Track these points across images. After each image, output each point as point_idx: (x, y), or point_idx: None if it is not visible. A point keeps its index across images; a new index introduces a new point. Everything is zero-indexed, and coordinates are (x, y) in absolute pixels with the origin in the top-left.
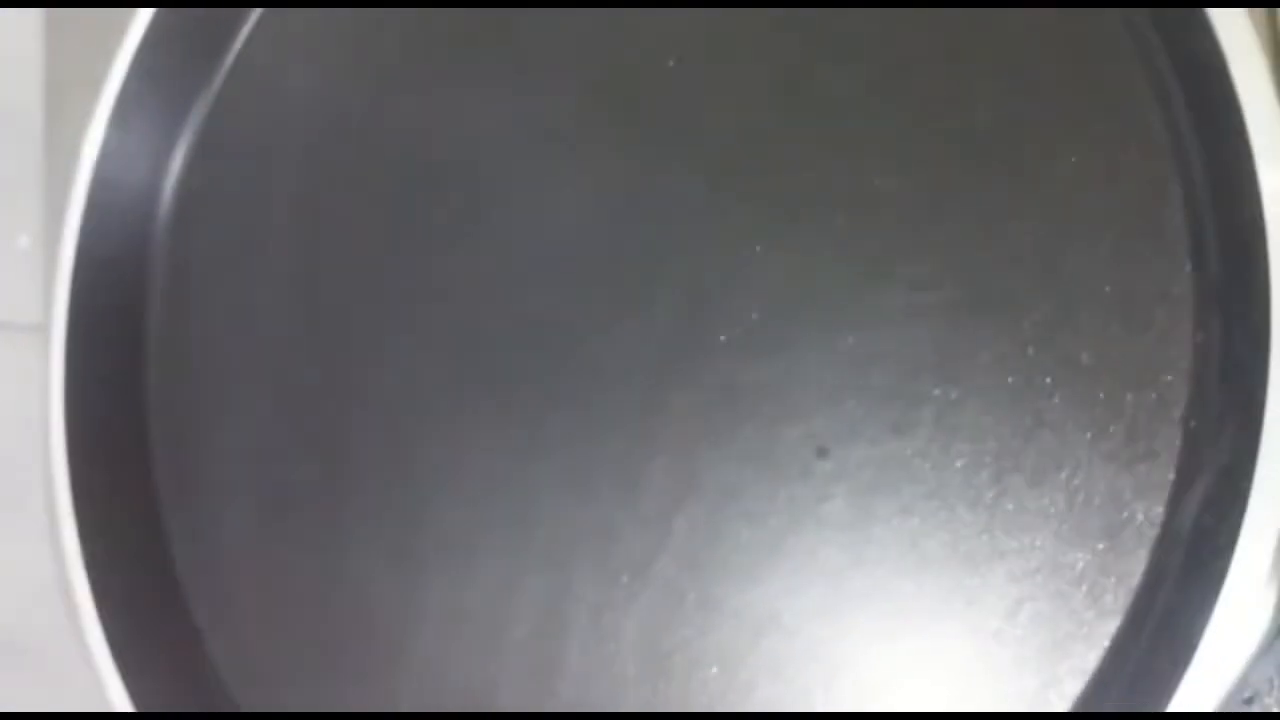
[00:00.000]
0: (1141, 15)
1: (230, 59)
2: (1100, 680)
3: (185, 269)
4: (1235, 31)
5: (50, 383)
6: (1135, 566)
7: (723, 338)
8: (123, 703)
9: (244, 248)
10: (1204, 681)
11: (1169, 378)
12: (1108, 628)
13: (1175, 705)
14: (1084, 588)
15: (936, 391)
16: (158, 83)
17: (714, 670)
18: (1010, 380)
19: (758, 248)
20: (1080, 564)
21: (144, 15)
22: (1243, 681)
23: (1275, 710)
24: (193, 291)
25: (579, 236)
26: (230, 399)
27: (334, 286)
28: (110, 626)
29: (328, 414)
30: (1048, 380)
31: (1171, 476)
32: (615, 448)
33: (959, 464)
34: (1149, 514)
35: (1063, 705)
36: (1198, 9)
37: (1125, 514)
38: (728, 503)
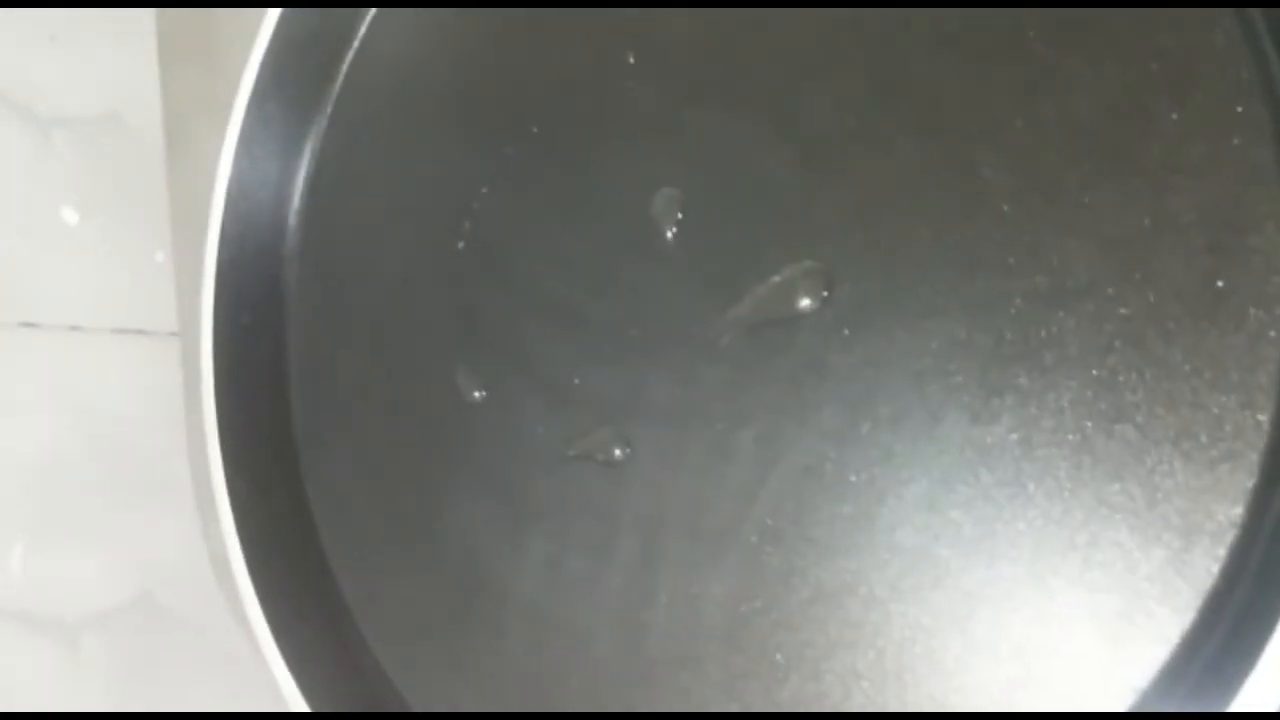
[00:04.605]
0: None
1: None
2: (1168, 675)
3: (316, 263)
4: None
5: (202, 380)
6: (1211, 566)
7: (812, 317)
8: (272, 654)
9: (367, 229)
10: (1271, 683)
11: (1259, 379)
12: (1178, 624)
13: (1238, 705)
14: (1157, 584)
15: (1020, 381)
16: (280, 92)
17: (792, 634)
18: (1095, 373)
19: (850, 230)
20: (1155, 560)
21: (261, 40)
22: None
23: None
24: (325, 283)
25: (683, 211)
26: (358, 379)
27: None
28: (263, 595)
29: (445, 405)
30: (1133, 375)
31: (1254, 479)
32: (707, 418)
33: (1038, 454)
34: (1228, 515)
35: (1128, 698)
36: None
37: (1204, 514)
38: (811, 477)
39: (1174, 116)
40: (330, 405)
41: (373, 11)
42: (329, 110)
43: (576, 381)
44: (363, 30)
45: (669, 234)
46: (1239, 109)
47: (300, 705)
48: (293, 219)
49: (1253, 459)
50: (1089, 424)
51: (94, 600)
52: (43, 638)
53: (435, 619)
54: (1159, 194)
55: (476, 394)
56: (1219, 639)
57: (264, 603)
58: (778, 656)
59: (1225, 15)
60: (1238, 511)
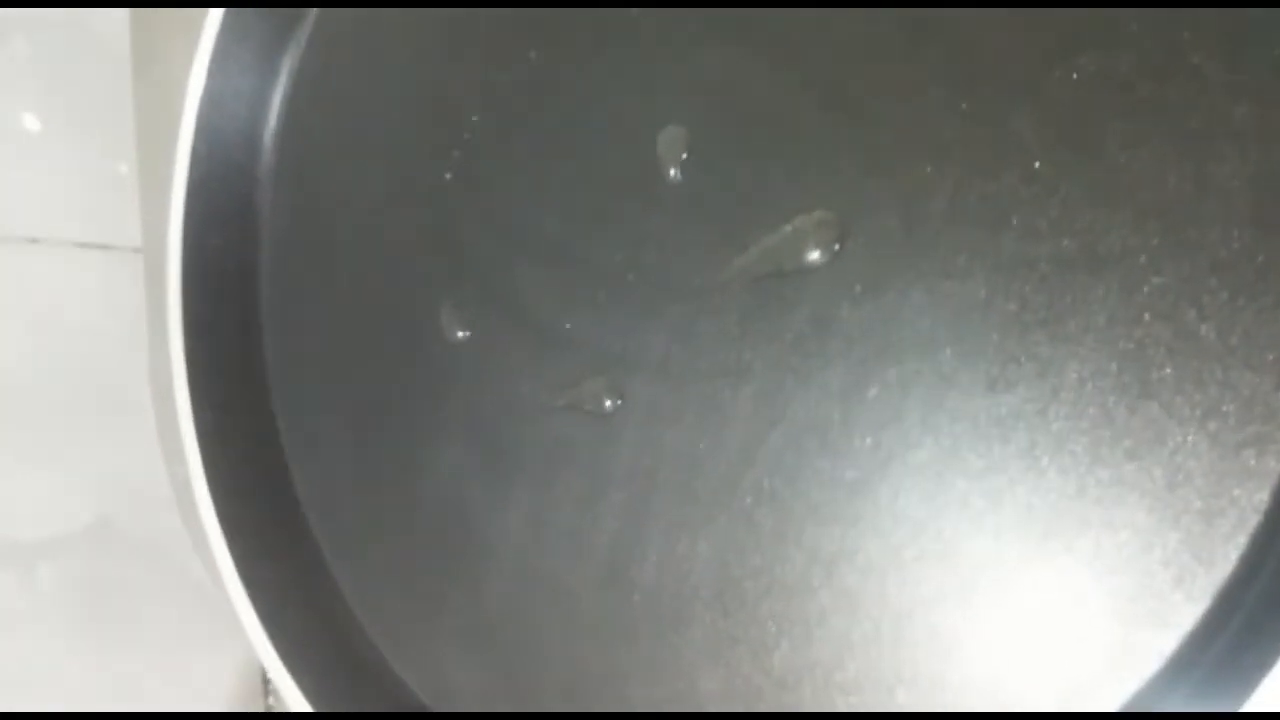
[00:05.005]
0: None
1: None
2: (1176, 665)
3: (292, 186)
4: None
5: (168, 306)
6: (1230, 553)
7: (823, 271)
8: (235, 586)
9: (347, 154)
10: None
11: None
12: (1191, 613)
13: (1252, 705)
14: (1172, 569)
15: (1041, 349)
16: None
17: (784, 601)
18: (1121, 346)
19: (868, 181)
20: (1171, 544)
21: None
22: None
23: None
24: (300, 208)
25: (688, 152)
26: (334, 310)
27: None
28: (228, 527)
29: (425, 343)
30: (1162, 350)
31: None
32: (705, 373)
33: (1054, 426)
34: (1252, 500)
35: (1133, 684)
36: None
37: (1226, 498)
38: (812, 439)
39: (1222, 77)
40: (302, 336)
41: None
42: (310, 25)
43: (567, 327)
44: None
45: (672, 175)
46: None
47: (269, 651)
48: (268, 139)
49: None
50: (1111, 399)
51: (50, 524)
52: None
53: (411, 566)
54: (1202, 159)
55: (460, 334)
56: (1235, 630)
57: (232, 546)
58: (769, 623)
59: None
60: (1263, 497)
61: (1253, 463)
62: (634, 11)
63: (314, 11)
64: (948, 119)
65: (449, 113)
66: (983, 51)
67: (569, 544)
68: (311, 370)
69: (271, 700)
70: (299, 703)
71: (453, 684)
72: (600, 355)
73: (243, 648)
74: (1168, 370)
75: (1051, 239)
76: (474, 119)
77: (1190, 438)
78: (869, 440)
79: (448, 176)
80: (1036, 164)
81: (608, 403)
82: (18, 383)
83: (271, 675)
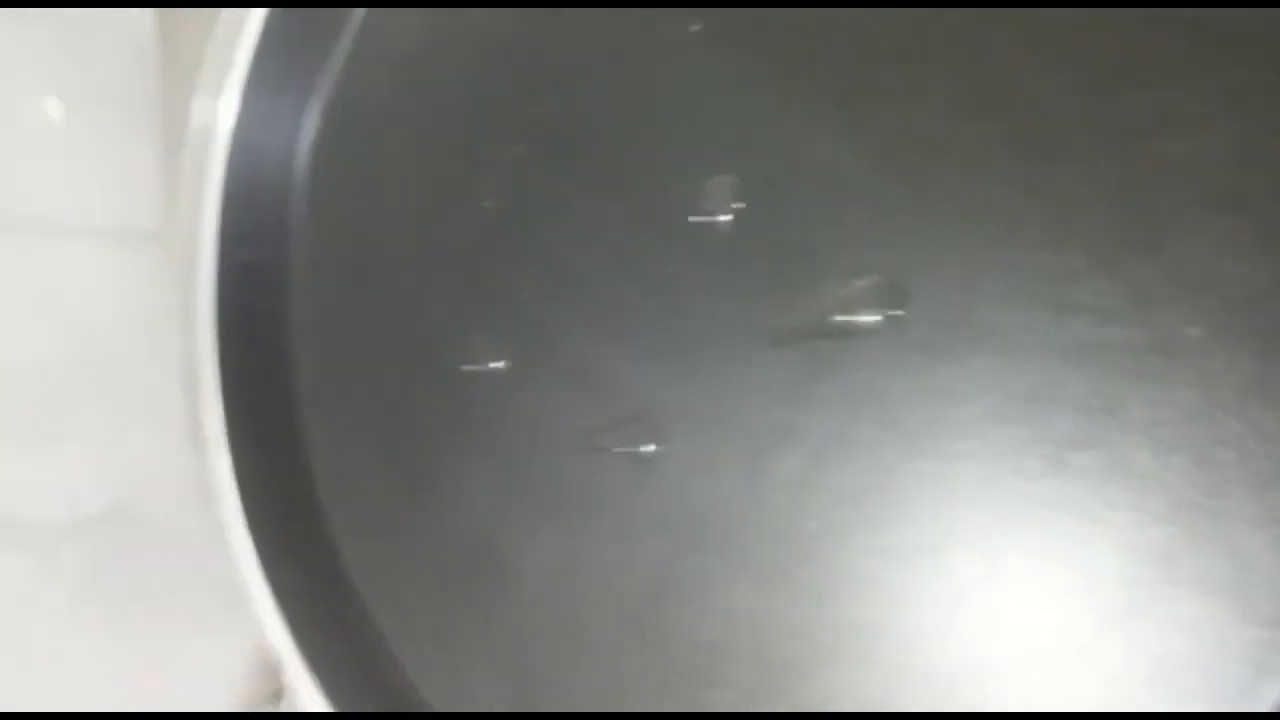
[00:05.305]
0: None
1: None
2: None
3: (327, 201)
4: None
5: (198, 324)
6: None
7: (878, 337)
8: (259, 590)
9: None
10: None
11: None
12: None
13: None
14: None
15: (1109, 436)
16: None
17: (822, 667)
18: (1187, 440)
19: (930, 248)
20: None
21: None
22: None
23: None
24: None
25: (740, 201)
26: (366, 329)
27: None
28: (250, 516)
29: (456, 353)
30: (1231, 451)
31: None
32: (749, 429)
33: (1106, 518)
34: None
35: None
36: None
37: None
38: (856, 508)
39: None
40: (334, 356)
41: None
42: (351, 38)
43: (608, 367)
44: None
45: (723, 223)
46: None
47: (292, 656)
48: (304, 153)
49: None
50: (1178, 493)
51: (69, 509)
52: (13, 544)
53: (438, 588)
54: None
55: (494, 364)
56: None
57: (259, 554)
58: (804, 688)
59: None
60: None
61: None
62: (692, 53)
63: (356, 25)
64: (1014, 192)
65: (492, 139)
66: (1053, 125)
67: (602, 585)
68: (341, 386)
69: (284, 703)
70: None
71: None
72: (640, 399)
73: (255, 638)
74: (1234, 472)
75: (1122, 325)
76: (518, 149)
77: (1259, 538)
78: (914, 513)
79: (488, 205)
80: (1110, 247)
81: (645, 448)
82: (39, 367)
83: (292, 679)
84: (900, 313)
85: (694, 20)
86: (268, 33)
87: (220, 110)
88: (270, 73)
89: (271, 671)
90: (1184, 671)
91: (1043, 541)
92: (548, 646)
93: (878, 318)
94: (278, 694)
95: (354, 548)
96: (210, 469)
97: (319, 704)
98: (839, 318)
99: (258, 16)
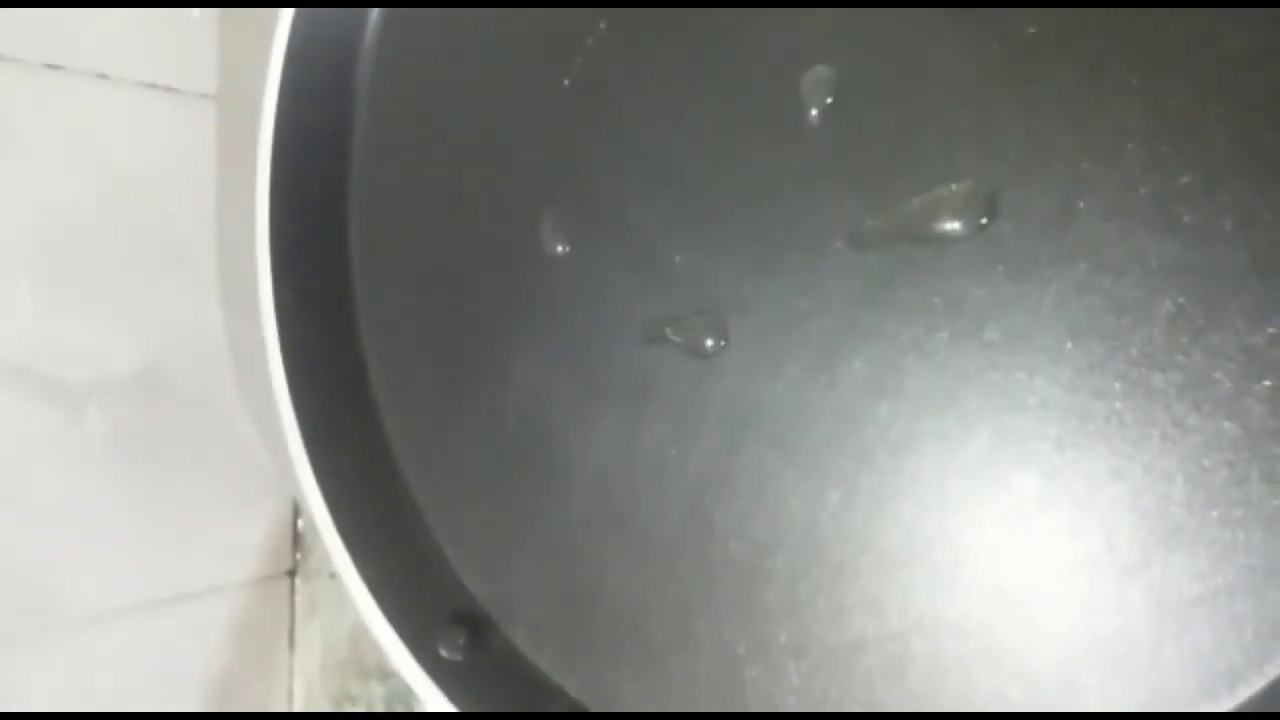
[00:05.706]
0: None
1: None
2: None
3: (396, 67)
4: None
5: (257, 187)
6: None
7: (963, 245)
8: (303, 469)
9: (460, 38)
10: None
11: None
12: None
13: None
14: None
15: (1191, 359)
16: None
17: (871, 571)
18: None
19: (1027, 156)
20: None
21: None
22: None
23: None
24: (403, 90)
25: (834, 95)
26: (428, 202)
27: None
28: (300, 411)
29: (522, 253)
30: None
31: None
32: (819, 330)
33: (1204, 463)
34: None
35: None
36: None
37: None
38: (924, 417)
39: None
40: (392, 229)
41: None
42: None
43: (676, 259)
44: None
45: (814, 118)
46: None
47: (335, 540)
48: (374, 14)
49: None
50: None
51: (101, 366)
52: (45, 399)
53: (486, 473)
54: None
55: (560, 248)
56: None
57: (303, 429)
58: (851, 589)
59: None
60: None
61: None
62: None
63: None
64: (1131, 105)
65: (574, 15)
66: (1177, 39)
67: (653, 476)
68: (398, 260)
69: (298, 579)
70: (360, 594)
71: (512, 594)
72: (707, 292)
73: (276, 505)
74: None
75: (1224, 246)
76: (601, 25)
77: None
78: (984, 426)
79: (566, 83)
80: (1225, 171)
81: (709, 342)
82: (75, 220)
83: (337, 567)
84: (988, 221)
85: None
86: None
87: None
88: None
89: (288, 546)
90: (1234, 599)
91: (1112, 462)
92: (593, 537)
93: (967, 226)
94: (292, 571)
95: (399, 424)
96: (258, 340)
97: (359, 591)
98: (927, 224)
99: None
